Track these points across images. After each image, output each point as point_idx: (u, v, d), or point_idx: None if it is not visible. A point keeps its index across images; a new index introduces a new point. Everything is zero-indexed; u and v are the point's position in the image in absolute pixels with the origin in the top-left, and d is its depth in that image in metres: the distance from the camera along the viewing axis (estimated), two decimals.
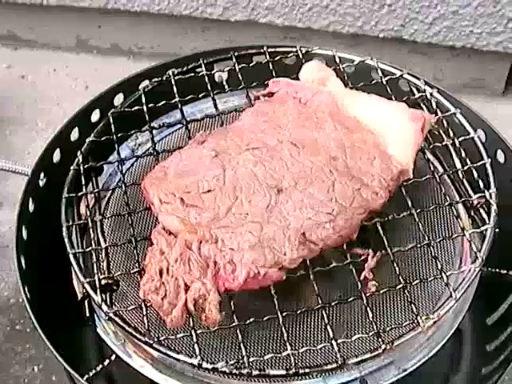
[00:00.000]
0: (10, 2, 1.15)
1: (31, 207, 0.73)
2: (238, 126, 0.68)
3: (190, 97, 0.73)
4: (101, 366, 0.63)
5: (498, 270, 0.70)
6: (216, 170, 0.64)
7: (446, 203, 0.64)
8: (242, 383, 0.60)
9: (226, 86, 0.78)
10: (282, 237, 0.59)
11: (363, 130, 0.66)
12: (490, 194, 0.64)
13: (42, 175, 0.76)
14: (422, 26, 1.07)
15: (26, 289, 0.66)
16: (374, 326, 0.57)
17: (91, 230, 0.64)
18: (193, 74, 0.75)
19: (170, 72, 0.75)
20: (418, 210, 0.63)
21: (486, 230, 0.62)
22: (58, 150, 0.78)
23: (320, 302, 0.58)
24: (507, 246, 0.70)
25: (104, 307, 0.59)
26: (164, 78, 0.74)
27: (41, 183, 0.76)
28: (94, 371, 0.62)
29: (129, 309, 0.59)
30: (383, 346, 0.56)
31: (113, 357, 0.63)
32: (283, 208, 0.61)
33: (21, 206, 0.72)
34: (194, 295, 0.57)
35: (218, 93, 0.74)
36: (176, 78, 0.74)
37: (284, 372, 0.55)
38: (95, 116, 0.80)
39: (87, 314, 0.63)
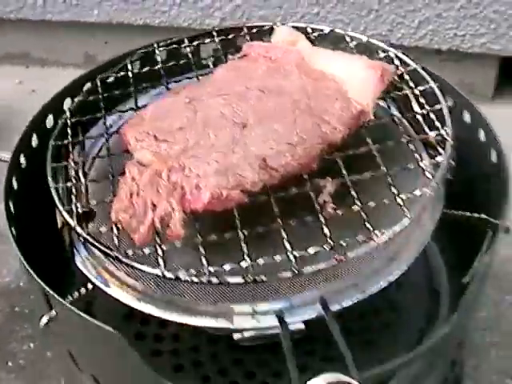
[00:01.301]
0: (23, 19, 1.23)
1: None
2: (211, 78, 0.73)
3: None
4: (77, 293, 0.66)
5: (471, 213, 0.73)
6: (188, 112, 0.69)
7: (404, 140, 0.68)
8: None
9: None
10: (244, 163, 0.63)
11: (327, 79, 0.71)
12: (446, 131, 0.68)
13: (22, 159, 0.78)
14: (408, 30, 1.13)
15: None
16: (330, 241, 0.60)
17: (73, 170, 0.69)
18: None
19: (155, 45, 0.81)
20: (377, 146, 0.68)
21: (441, 160, 0.66)
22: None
23: (280, 222, 0.62)
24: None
25: (78, 229, 0.63)
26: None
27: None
28: (70, 298, 0.66)
29: (101, 230, 0.63)
30: (337, 256, 0.59)
31: (89, 286, 0.67)
32: (247, 140, 0.65)
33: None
34: (161, 213, 0.61)
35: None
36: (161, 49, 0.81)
37: (242, 280, 0.59)
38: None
39: (66, 244, 0.68)
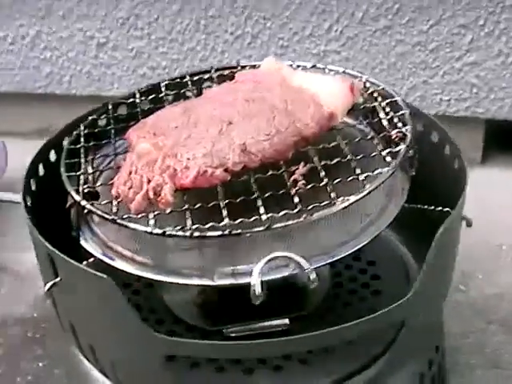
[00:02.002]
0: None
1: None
2: (203, 96, 0.86)
3: None
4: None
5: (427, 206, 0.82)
6: (183, 117, 0.80)
7: (369, 137, 0.79)
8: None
9: None
10: (228, 149, 0.74)
11: (303, 91, 0.83)
12: (406, 129, 0.78)
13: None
14: None
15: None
16: (299, 206, 0.69)
17: (83, 163, 0.80)
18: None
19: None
20: (346, 141, 0.78)
21: (400, 149, 0.75)
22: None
23: (256, 193, 0.71)
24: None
25: (83, 202, 0.74)
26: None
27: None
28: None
29: (102, 203, 0.74)
30: (304, 215, 0.68)
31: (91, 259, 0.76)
32: (232, 133, 0.76)
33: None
34: (154, 185, 0.72)
35: None
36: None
37: (220, 233, 0.68)
38: None
39: (73, 223, 0.78)
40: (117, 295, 0.68)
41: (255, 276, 0.65)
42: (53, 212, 0.80)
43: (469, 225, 0.80)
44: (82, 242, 0.77)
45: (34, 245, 0.78)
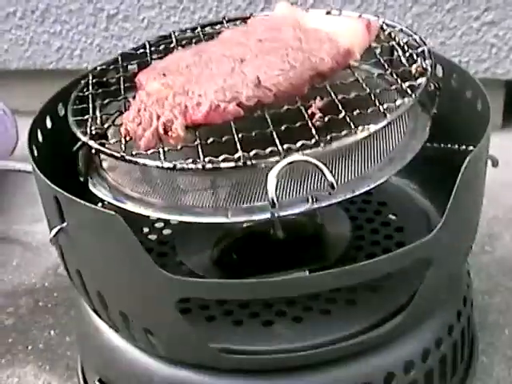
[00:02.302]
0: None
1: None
2: (216, 39, 0.83)
3: None
4: None
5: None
6: (195, 57, 0.77)
7: (388, 71, 0.75)
8: None
9: None
10: (241, 84, 0.71)
11: (318, 31, 0.79)
12: (427, 64, 0.74)
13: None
14: None
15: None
16: (316, 137, 0.66)
17: (91, 108, 0.77)
18: None
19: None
20: (364, 76, 0.74)
21: (421, 82, 0.72)
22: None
23: (271, 127, 0.68)
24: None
25: (90, 142, 0.71)
26: None
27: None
28: None
29: (111, 142, 0.71)
30: (322, 144, 0.65)
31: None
32: (245, 69, 0.73)
33: None
34: (164, 120, 0.68)
35: None
36: None
37: (233, 164, 0.64)
38: None
39: (80, 167, 0.74)
40: (126, 233, 0.64)
41: (272, 179, 0.61)
42: (60, 167, 0.77)
43: (495, 165, 0.76)
44: (91, 187, 0.74)
45: (40, 193, 0.75)
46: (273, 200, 0.59)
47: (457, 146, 0.78)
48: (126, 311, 0.71)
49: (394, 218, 0.89)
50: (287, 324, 0.76)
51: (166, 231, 0.90)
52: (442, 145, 0.79)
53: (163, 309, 0.68)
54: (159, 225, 0.91)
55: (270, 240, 0.83)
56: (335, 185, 0.60)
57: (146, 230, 0.91)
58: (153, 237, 0.90)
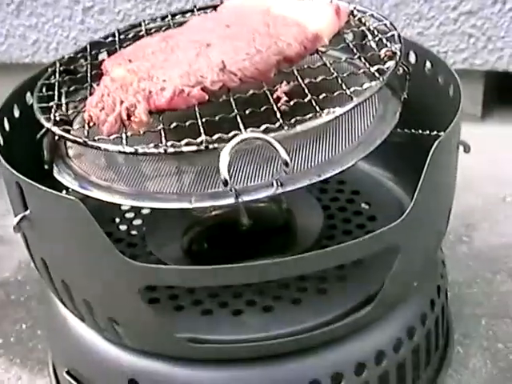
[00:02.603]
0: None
1: None
2: (183, 26, 0.81)
3: None
4: None
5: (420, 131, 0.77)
6: (161, 44, 0.76)
7: (357, 56, 0.74)
8: None
9: None
10: (206, 68, 0.70)
11: (287, 17, 0.78)
12: (396, 48, 0.73)
13: None
14: None
15: None
16: (280, 120, 0.64)
17: (57, 95, 0.76)
18: None
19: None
20: (332, 61, 0.73)
21: (389, 65, 0.71)
22: None
23: (235, 111, 0.67)
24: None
25: (53, 128, 0.69)
26: None
27: None
28: None
29: (74, 128, 0.69)
30: (286, 128, 0.63)
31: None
32: (210, 54, 0.72)
33: None
34: (127, 105, 0.67)
35: None
36: None
37: (196, 148, 0.63)
38: None
39: (45, 155, 0.73)
40: (88, 220, 0.63)
41: (224, 156, 0.60)
42: (30, 158, 0.75)
43: (466, 150, 0.75)
44: (56, 175, 0.72)
45: (5, 182, 0.73)
46: (225, 179, 0.58)
47: (428, 132, 0.77)
48: (89, 299, 0.69)
49: (366, 207, 0.88)
50: (257, 313, 0.75)
51: (137, 221, 0.89)
52: (414, 131, 0.78)
53: (126, 297, 0.66)
54: (130, 215, 0.90)
55: (240, 229, 0.81)
56: (289, 162, 0.59)
57: (116, 220, 0.90)
58: (123, 227, 0.89)
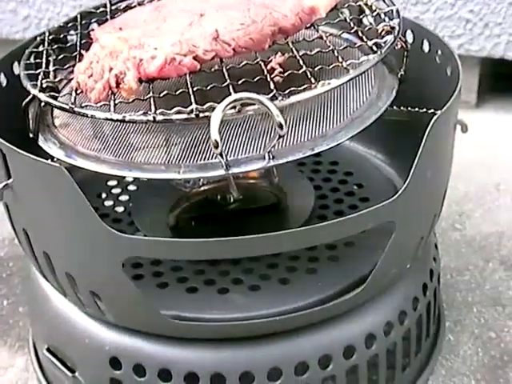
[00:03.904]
0: None
1: None
2: None
3: None
4: None
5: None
6: (153, 13, 0.74)
7: (353, 31, 0.72)
8: None
9: None
10: (198, 37, 0.67)
11: None
12: (394, 23, 0.71)
13: None
14: None
15: None
16: (274, 91, 0.62)
17: (44, 63, 0.73)
18: None
19: None
20: (328, 34, 0.71)
21: (387, 40, 0.69)
22: None
23: (228, 81, 0.65)
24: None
25: (40, 95, 0.67)
26: None
27: None
28: None
29: (61, 95, 0.67)
30: (280, 98, 0.61)
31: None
32: (203, 23, 0.70)
33: None
34: (116, 72, 0.65)
35: None
36: None
37: (186, 116, 0.61)
38: None
39: (30, 124, 0.71)
40: (71, 187, 0.61)
41: (216, 116, 0.58)
42: (16, 128, 0.73)
43: (464, 130, 0.73)
44: (41, 144, 0.70)
45: None
46: (216, 141, 0.56)
47: (425, 110, 0.75)
48: (72, 273, 0.67)
49: (359, 188, 0.87)
50: (243, 292, 0.73)
51: (123, 197, 0.87)
52: (410, 108, 0.76)
53: (109, 269, 0.64)
54: (116, 191, 0.88)
55: (229, 207, 0.80)
56: (284, 125, 0.56)
57: (103, 195, 0.88)
58: (109, 203, 0.86)
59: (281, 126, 0.56)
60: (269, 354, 0.70)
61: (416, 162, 0.64)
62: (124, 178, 0.88)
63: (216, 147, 0.56)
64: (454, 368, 0.84)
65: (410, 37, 0.82)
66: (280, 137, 0.57)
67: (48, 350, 0.78)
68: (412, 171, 0.65)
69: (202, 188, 0.76)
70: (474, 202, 1.07)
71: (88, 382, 0.74)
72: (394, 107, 0.73)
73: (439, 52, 0.79)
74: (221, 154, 0.58)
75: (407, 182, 0.65)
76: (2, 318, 0.92)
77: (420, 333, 0.80)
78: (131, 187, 0.88)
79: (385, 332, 0.74)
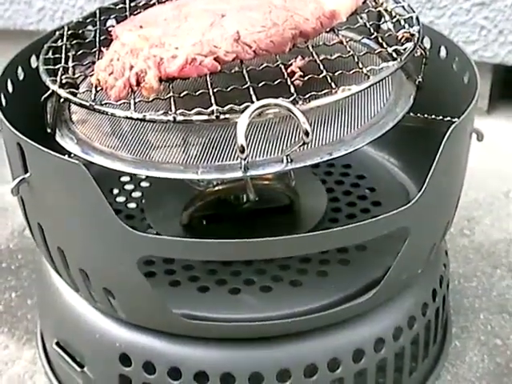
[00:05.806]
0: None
1: None
2: None
3: None
4: None
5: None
6: (174, 11, 0.74)
7: (373, 36, 0.72)
8: None
9: None
10: (220, 38, 0.68)
11: None
12: (414, 30, 0.72)
13: None
14: None
15: None
16: (295, 94, 0.62)
17: (64, 58, 0.73)
18: None
19: None
20: (348, 39, 0.71)
21: (407, 47, 0.69)
22: None
23: (248, 83, 0.65)
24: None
25: (59, 90, 0.67)
26: None
27: None
28: None
29: (81, 91, 0.67)
30: (300, 102, 0.61)
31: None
32: (225, 24, 0.70)
33: None
34: (136, 70, 0.65)
35: None
36: None
37: (206, 117, 0.61)
38: None
39: (48, 119, 0.71)
40: (89, 183, 0.61)
41: (243, 121, 0.58)
42: (34, 122, 0.73)
43: (479, 138, 0.73)
44: (58, 139, 0.70)
45: (5, 144, 0.71)
46: (242, 146, 0.56)
47: (441, 118, 0.75)
48: (85, 269, 0.67)
49: (371, 192, 0.87)
50: (255, 293, 0.73)
51: (136, 194, 0.87)
52: (427, 116, 0.76)
53: (124, 267, 0.64)
54: (129, 187, 0.88)
55: (242, 207, 0.80)
56: (310, 131, 0.57)
57: (115, 191, 0.88)
58: (121, 199, 0.87)
59: (307, 134, 0.56)
60: (278, 355, 0.71)
61: (433, 169, 0.65)
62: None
63: (242, 152, 0.56)
64: (459, 374, 0.84)
65: (427, 43, 0.82)
66: (304, 143, 0.58)
67: (57, 343, 0.78)
68: (428, 178, 0.65)
69: (217, 188, 0.76)
70: (483, 208, 1.08)
71: (97, 378, 0.75)
72: (412, 114, 0.73)
73: (456, 59, 0.79)
74: (246, 158, 0.58)
75: (423, 188, 0.65)
76: (10, 311, 0.92)
77: (428, 338, 0.80)
78: (144, 184, 0.88)
79: (394, 336, 0.74)
